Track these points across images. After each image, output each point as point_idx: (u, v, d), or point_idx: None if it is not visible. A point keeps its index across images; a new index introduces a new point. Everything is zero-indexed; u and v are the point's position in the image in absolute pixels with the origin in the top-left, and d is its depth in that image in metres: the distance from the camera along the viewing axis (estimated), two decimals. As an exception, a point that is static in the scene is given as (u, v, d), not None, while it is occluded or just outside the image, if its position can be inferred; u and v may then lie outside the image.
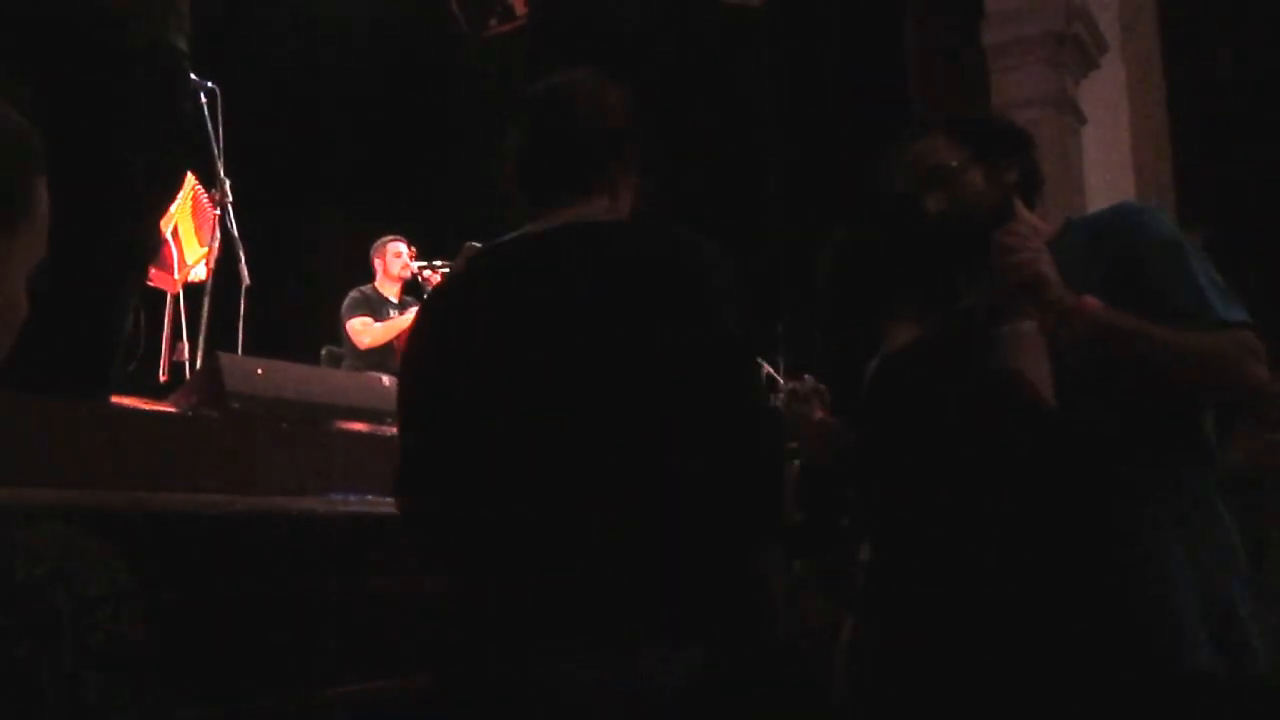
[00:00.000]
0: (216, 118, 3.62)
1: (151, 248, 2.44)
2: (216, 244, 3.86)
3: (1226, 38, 4.86)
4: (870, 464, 1.63)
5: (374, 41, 5.92)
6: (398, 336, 4.49)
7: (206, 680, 1.57)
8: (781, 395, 1.92)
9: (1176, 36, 4.98)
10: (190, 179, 3.94)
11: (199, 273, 4.04)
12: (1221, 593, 1.39)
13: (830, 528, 1.97)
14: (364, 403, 2.37)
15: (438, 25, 6.23)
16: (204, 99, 3.56)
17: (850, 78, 5.31)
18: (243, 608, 1.70)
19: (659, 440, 1.30)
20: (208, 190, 3.98)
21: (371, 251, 4.92)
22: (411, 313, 4.37)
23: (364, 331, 4.62)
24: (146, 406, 2.27)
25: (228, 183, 3.78)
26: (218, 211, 3.85)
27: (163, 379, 3.92)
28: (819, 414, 1.75)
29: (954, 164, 1.55)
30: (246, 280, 3.81)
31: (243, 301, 3.89)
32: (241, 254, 3.80)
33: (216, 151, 3.67)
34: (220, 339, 3.81)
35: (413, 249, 4.88)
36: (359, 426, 2.30)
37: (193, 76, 2.51)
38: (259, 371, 2.23)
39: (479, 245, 1.94)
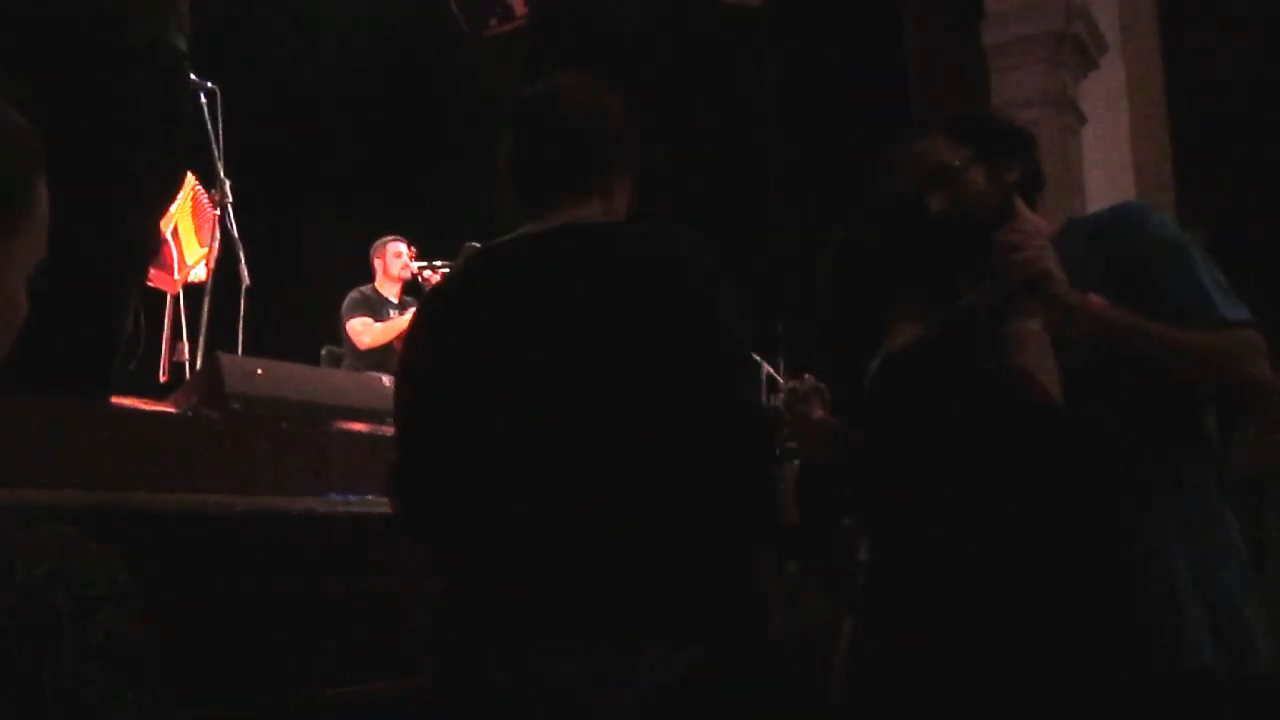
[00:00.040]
0: (216, 118, 3.62)
1: (151, 248, 2.44)
2: (216, 244, 3.86)
3: (1226, 38, 4.86)
4: (871, 464, 1.63)
5: (374, 41, 5.92)
6: (398, 337, 4.49)
7: (206, 680, 1.57)
8: (781, 395, 1.92)
9: (1176, 36, 4.98)
10: (190, 179, 3.94)
11: (199, 273, 4.04)
12: (1223, 591, 1.40)
13: (830, 528, 1.97)
14: (364, 403, 2.37)
15: (438, 25, 6.23)
16: (204, 99, 3.56)
17: (850, 78, 5.31)
18: (243, 608, 1.70)
19: (655, 441, 1.31)
20: (208, 190, 3.98)
21: (371, 252, 4.92)
22: (411, 313, 4.37)
23: (364, 332, 4.62)
24: (146, 406, 2.27)
25: (228, 183, 3.78)
26: (218, 212, 3.85)
27: (163, 379, 3.92)
28: (819, 413, 1.75)
29: (956, 163, 1.55)
30: (246, 280, 3.81)
31: (243, 301, 3.89)
32: (241, 254, 3.80)
33: (216, 151, 3.67)
34: (220, 339, 3.81)
35: (413, 249, 4.88)
36: (359, 426, 2.30)
37: (193, 77, 2.51)
38: (259, 371, 2.23)
39: (479, 245, 1.94)
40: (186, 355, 3.95)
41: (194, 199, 4.11)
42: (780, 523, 1.65)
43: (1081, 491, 1.44)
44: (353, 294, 4.74)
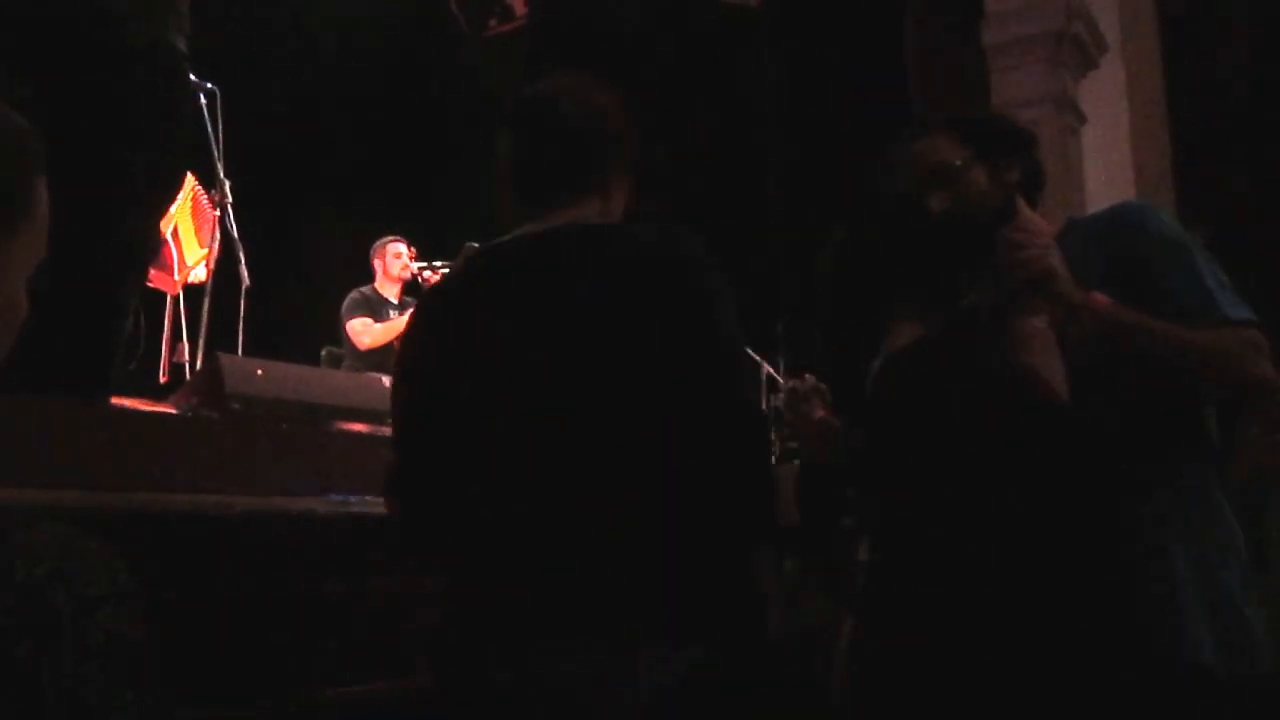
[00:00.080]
0: (216, 118, 3.62)
1: (151, 248, 2.44)
2: (216, 245, 3.86)
3: (1226, 38, 4.86)
4: (872, 464, 1.62)
5: (374, 41, 5.92)
6: (398, 337, 4.48)
7: (206, 680, 1.57)
8: (781, 395, 1.92)
9: (1176, 36, 4.98)
10: (190, 180, 3.94)
11: (199, 273, 4.04)
12: (1224, 590, 1.40)
13: (830, 528, 1.97)
14: (364, 403, 2.37)
15: (438, 25, 6.23)
16: (204, 99, 3.56)
17: (850, 78, 5.31)
18: (243, 608, 1.70)
19: (654, 441, 1.31)
20: (208, 191, 3.98)
21: (371, 252, 4.92)
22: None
23: (364, 332, 4.62)
24: (146, 407, 2.27)
25: (228, 183, 3.77)
26: (218, 212, 3.84)
27: (163, 379, 3.92)
28: (820, 413, 1.74)
29: (957, 163, 1.55)
30: (246, 281, 3.81)
31: (243, 302, 3.89)
32: (241, 255, 3.79)
33: (216, 152, 3.67)
34: (220, 339, 3.81)
35: (413, 249, 4.88)
36: (359, 427, 2.30)
37: (192, 77, 2.51)
38: (259, 372, 2.23)
39: (478, 245, 1.94)
40: (186, 355, 3.95)
41: (194, 199, 4.11)
42: (778, 522, 1.65)
43: (1083, 490, 1.44)
44: (353, 294, 4.74)
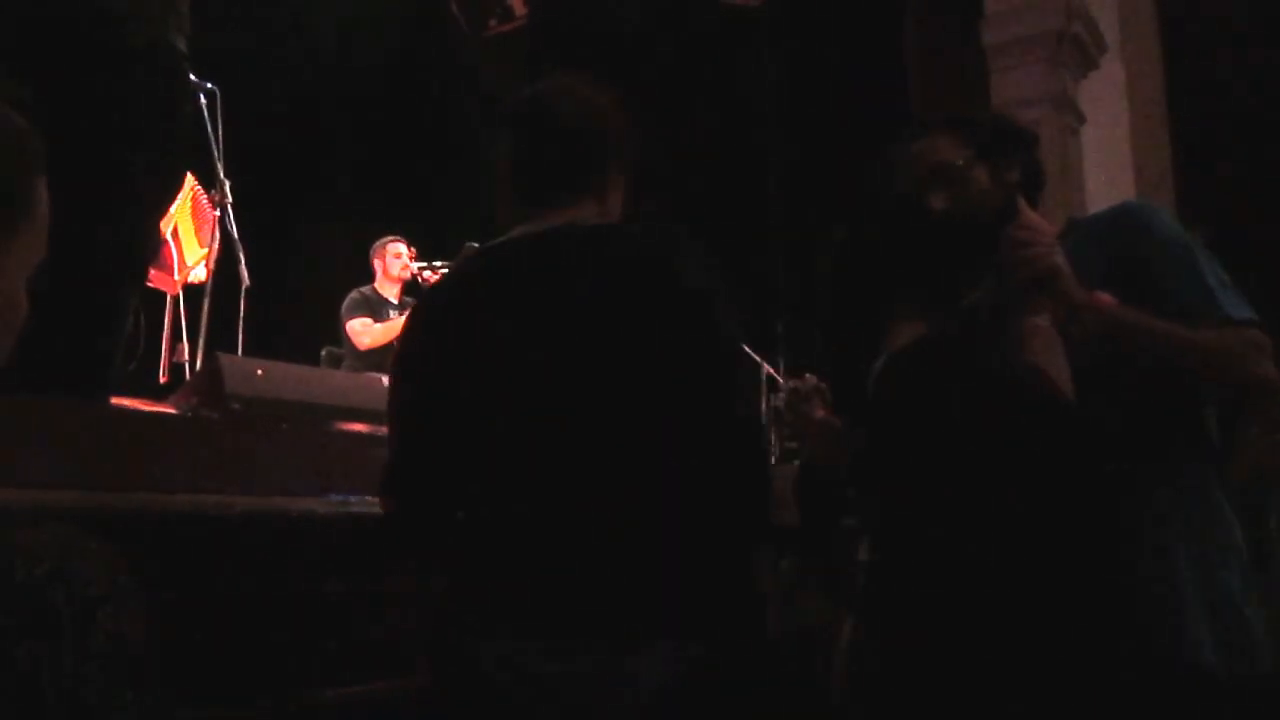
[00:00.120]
0: (216, 118, 3.62)
1: (151, 248, 2.43)
2: (216, 245, 3.86)
3: (1226, 38, 4.86)
4: (872, 464, 1.62)
5: (374, 42, 5.92)
6: (397, 337, 4.48)
7: (206, 680, 1.57)
8: (781, 395, 1.92)
9: (1176, 36, 4.98)
10: (190, 180, 3.94)
11: (199, 274, 4.04)
12: (1224, 590, 1.39)
13: (830, 528, 1.97)
14: (364, 403, 2.37)
15: (438, 25, 6.23)
16: (204, 99, 3.56)
17: (850, 78, 5.31)
18: (243, 608, 1.70)
19: (652, 440, 1.31)
20: (208, 191, 3.98)
21: (371, 252, 4.92)
22: (410, 313, 4.37)
23: (364, 332, 4.62)
24: (146, 407, 2.27)
25: (228, 183, 3.77)
26: (217, 212, 3.84)
27: (163, 379, 3.92)
28: (820, 413, 1.74)
29: (959, 163, 1.55)
30: (246, 281, 3.81)
31: (243, 302, 3.89)
32: (241, 255, 3.79)
33: (216, 152, 3.67)
34: (220, 340, 3.81)
35: (413, 250, 4.88)
36: (359, 427, 2.30)
37: (192, 77, 2.51)
38: (259, 372, 2.23)
39: (478, 245, 1.95)
40: (186, 356, 3.95)
41: (194, 199, 4.11)
42: (775, 521, 1.65)
43: (1083, 490, 1.44)
44: (353, 295, 4.74)
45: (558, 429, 1.32)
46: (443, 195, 5.90)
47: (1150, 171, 4.78)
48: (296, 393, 2.29)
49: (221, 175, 3.75)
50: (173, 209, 3.81)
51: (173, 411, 2.18)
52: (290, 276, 5.17)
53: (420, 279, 4.74)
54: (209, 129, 3.58)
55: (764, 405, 4.16)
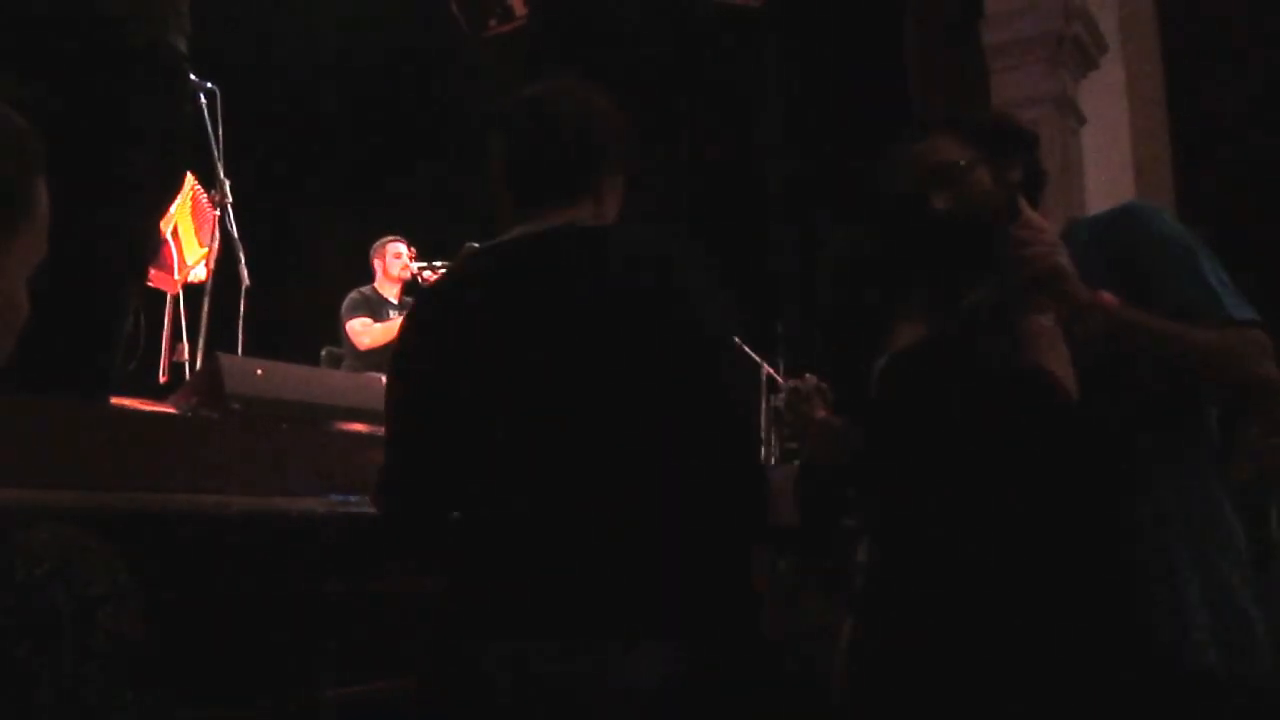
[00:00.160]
0: (216, 118, 3.61)
1: (151, 248, 2.43)
2: (216, 244, 3.86)
3: (1226, 37, 4.86)
4: (873, 464, 1.62)
5: (374, 41, 5.92)
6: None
7: (206, 680, 1.57)
8: (782, 395, 1.92)
9: (1176, 36, 4.98)
10: (190, 179, 3.94)
11: (199, 273, 4.04)
12: (1225, 591, 1.39)
13: (830, 528, 1.97)
14: (364, 403, 2.37)
15: (438, 25, 6.23)
16: (204, 99, 3.56)
17: (850, 78, 5.31)
18: (243, 608, 1.70)
19: (650, 440, 1.32)
20: (208, 191, 3.98)
21: (371, 252, 4.92)
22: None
23: (363, 332, 4.62)
24: (146, 407, 2.27)
25: (228, 183, 3.77)
26: (217, 212, 3.84)
27: (163, 379, 3.92)
28: (821, 413, 1.74)
29: (962, 163, 1.55)
30: (246, 280, 3.80)
31: (243, 302, 3.89)
32: (241, 254, 3.79)
33: (216, 152, 3.66)
34: (220, 339, 3.81)
35: (412, 249, 4.88)
36: (359, 427, 2.30)
37: (192, 77, 2.51)
38: (259, 372, 2.23)
39: (478, 246, 1.95)
40: (186, 355, 3.95)
41: (194, 199, 4.11)
42: (772, 521, 1.65)
43: (1084, 490, 1.44)
44: (352, 295, 4.74)
45: (556, 429, 1.32)
46: (443, 195, 5.90)
47: (1150, 171, 4.78)
48: (296, 393, 2.29)
49: (221, 175, 3.74)
50: (173, 209, 3.81)
51: (173, 411, 2.18)
52: (290, 276, 5.16)
53: (420, 279, 4.74)
54: (209, 129, 3.58)
55: (764, 405, 4.17)
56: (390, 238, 4.89)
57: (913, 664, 1.45)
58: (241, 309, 3.90)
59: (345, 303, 4.71)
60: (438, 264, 4.69)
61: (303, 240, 5.61)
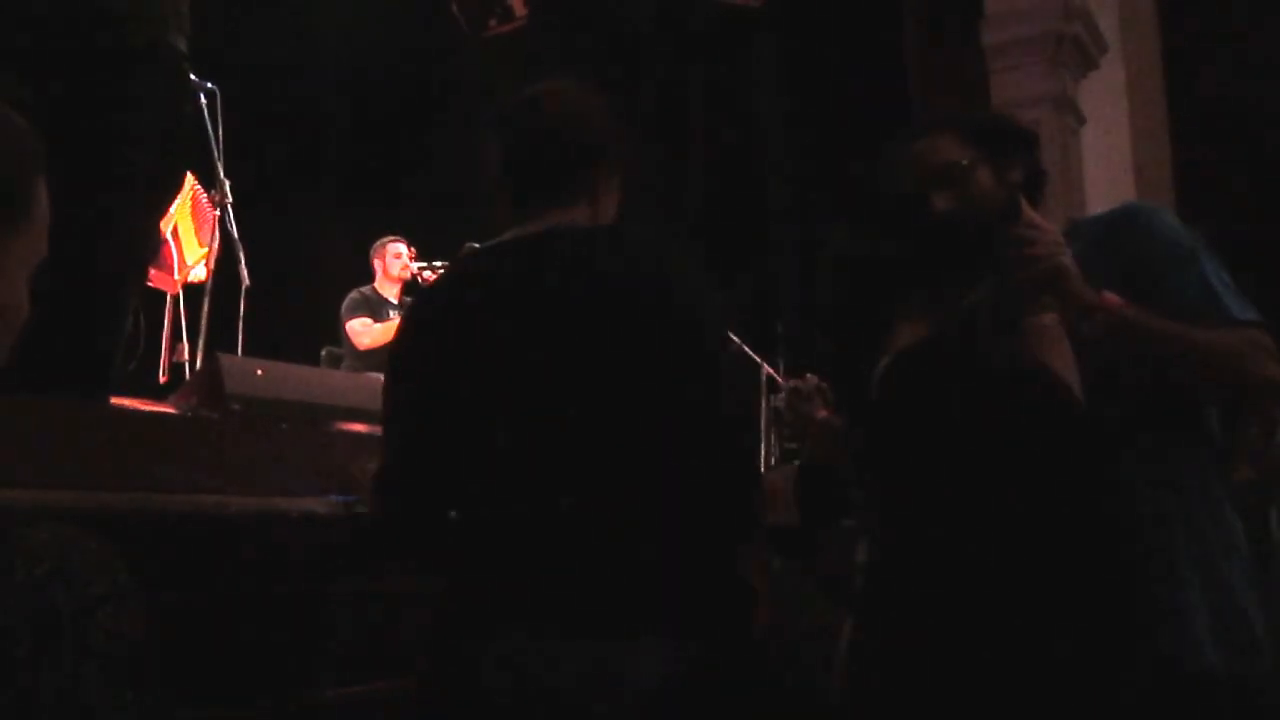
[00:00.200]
0: (216, 118, 3.61)
1: (151, 248, 2.44)
2: (216, 244, 3.86)
3: (1226, 38, 4.86)
4: (873, 464, 1.62)
5: (374, 42, 5.92)
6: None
7: (206, 680, 1.57)
8: (782, 395, 1.92)
9: (1176, 36, 4.98)
10: (190, 179, 3.94)
11: (199, 273, 4.04)
12: (1225, 591, 1.40)
13: (830, 528, 1.96)
14: (364, 403, 2.37)
15: (438, 25, 6.23)
16: (204, 99, 3.56)
17: (850, 78, 5.31)
18: (243, 608, 1.70)
19: (647, 440, 1.32)
20: (207, 191, 3.98)
21: (371, 252, 4.92)
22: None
23: (363, 332, 4.62)
24: (146, 407, 2.27)
25: (227, 183, 3.77)
26: (217, 212, 3.84)
27: (163, 379, 3.92)
28: (820, 413, 1.74)
29: (962, 162, 1.55)
30: (246, 281, 3.80)
31: (243, 302, 3.89)
32: (241, 254, 3.79)
33: (216, 152, 3.66)
34: (220, 339, 3.81)
35: (412, 249, 4.88)
36: (359, 427, 2.30)
37: (192, 77, 2.51)
38: (259, 372, 2.23)
39: (478, 246, 1.95)
40: (186, 355, 3.95)
41: (194, 199, 4.11)
42: (765, 521, 1.65)
43: (1084, 490, 1.44)
44: (352, 295, 4.74)
45: (554, 428, 1.32)
46: (443, 195, 5.90)
47: (1150, 171, 4.78)
48: (296, 393, 2.29)
49: (221, 175, 3.74)
50: (173, 209, 3.81)
51: (173, 411, 2.18)
52: (290, 276, 5.16)
53: (420, 279, 4.74)
54: (209, 129, 3.58)
55: (764, 405, 4.17)
56: (390, 238, 4.89)
57: (913, 664, 1.45)
58: (241, 309, 3.90)
59: (345, 303, 4.71)
60: (438, 264, 4.69)
61: (303, 240, 5.60)
